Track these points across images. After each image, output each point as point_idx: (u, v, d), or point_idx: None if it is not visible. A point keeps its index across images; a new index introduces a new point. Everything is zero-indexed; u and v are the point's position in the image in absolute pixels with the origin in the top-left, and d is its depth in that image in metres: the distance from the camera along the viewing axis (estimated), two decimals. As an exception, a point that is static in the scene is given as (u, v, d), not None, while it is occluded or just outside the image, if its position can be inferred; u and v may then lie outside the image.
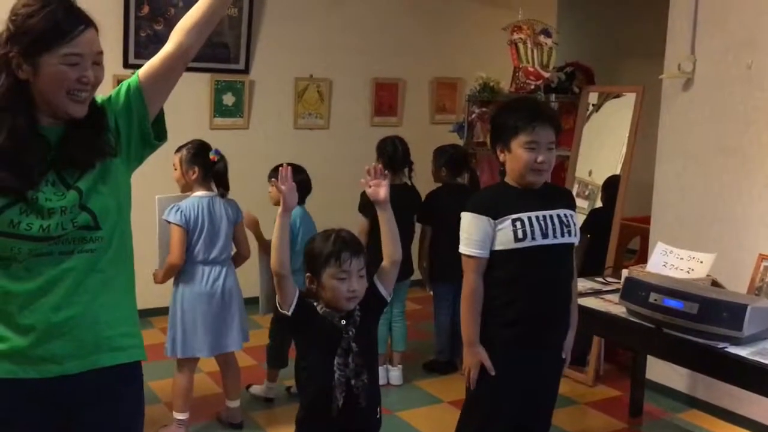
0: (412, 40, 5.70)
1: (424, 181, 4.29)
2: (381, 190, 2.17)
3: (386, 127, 5.64)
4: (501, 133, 2.37)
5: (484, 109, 4.85)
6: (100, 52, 1.61)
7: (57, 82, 1.54)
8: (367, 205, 3.90)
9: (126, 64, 4.65)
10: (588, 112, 4.43)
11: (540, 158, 2.28)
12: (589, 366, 4.00)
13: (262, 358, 3.81)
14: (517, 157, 2.31)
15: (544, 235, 2.31)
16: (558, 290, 2.41)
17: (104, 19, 4.89)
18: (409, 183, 4.06)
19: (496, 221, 2.31)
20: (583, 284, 3.29)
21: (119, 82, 4.85)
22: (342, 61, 5.45)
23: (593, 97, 4.41)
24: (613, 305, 2.90)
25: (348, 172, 5.21)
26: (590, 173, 4.45)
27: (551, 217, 2.34)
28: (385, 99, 5.71)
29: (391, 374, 3.94)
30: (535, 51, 4.36)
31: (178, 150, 3.23)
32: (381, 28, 5.57)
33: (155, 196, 3.33)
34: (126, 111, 1.68)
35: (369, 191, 2.18)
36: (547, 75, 4.31)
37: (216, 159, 3.29)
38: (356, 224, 3.95)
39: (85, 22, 1.59)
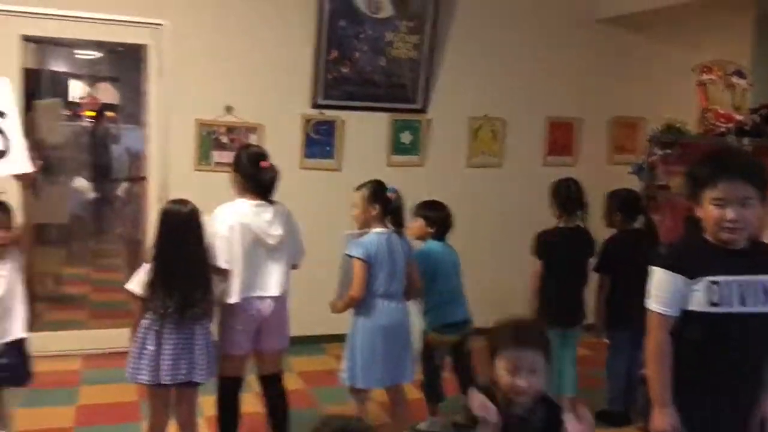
0: (590, 79, 5.61)
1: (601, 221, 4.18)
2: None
3: (560, 166, 5.57)
4: (691, 186, 2.26)
5: (667, 151, 4.66)
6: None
7: None
8: (540, 247, 3.88)
9: (314, 105, 4.99)
10: (786, 157, 4.11)
11: (730, 215, 2.12)
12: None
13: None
14: (707, 212, 2.18)
15: (742, 303, 2.16)
16: (751, 361, 2.24)
17: (296, 62, 5.30)
18: (582, 225, 3.98)
19: (692, 281, 2.18)
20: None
21: (307, 121, 5.23)
22: (516, 100, 5.48)
23: (792, 141, 4.10)
24: None
25: (520, 211, 5.22)
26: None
27: (754, 283, 2.18)
28: (560, 138, 5.65)
29: (560, 420, 3.85)
30: (726, 92, 4.14)
31: (359, 188, 3.40)
32: (558, 68, 5.54)
33: (343, 231, 3.53)
34: None
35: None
36: (739, 117, 4.07)
37: (393, 197, 3.43)
38: (528, 263, 3.96)
39: None
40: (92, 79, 6.15)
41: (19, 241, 3.00)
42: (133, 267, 4.07)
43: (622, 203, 4.06)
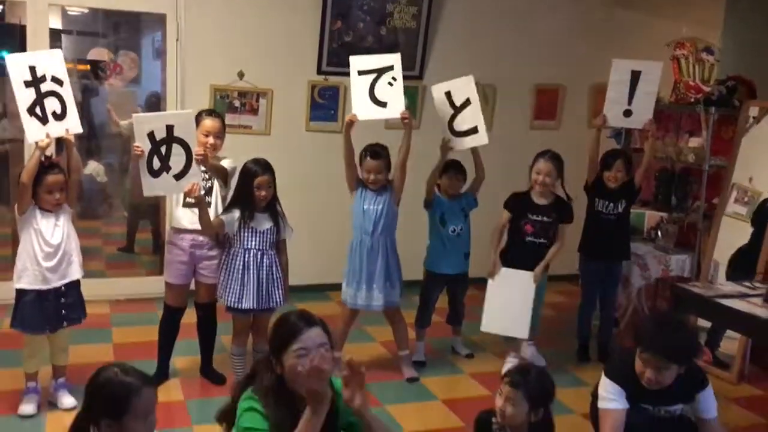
0: (574, 48, 6.00)
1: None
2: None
3: (545, 130, 6.02)
4: (637, 340, 2.81)
5: (642, 117, 5.09)
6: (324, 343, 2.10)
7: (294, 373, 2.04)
8: (508, 203, 4.27)
9: (319, 71, 5.36)
10: (748, 125, 4.57)
11: (647, 374, 2.67)
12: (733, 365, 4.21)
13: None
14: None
15: None
16: None
17: (303, 32, 5.79)
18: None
19: None
20: (731, 288, 3.55)
21: (313, 87, 5.57)
22: (506, 68, 5.87)
23: (754, 111, 4.55)
24: (757, 308, 3.16)
25: (507, 174, 5.57)
26: (750, 180, 4.57)
27: None
28: (545, 104, 6.07)
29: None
30: (696, 67, 4.57)
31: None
32: (543, 37, 5.93)
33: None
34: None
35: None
36: (707, 89, 4.51)
37: None
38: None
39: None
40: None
41: (69, 197, 3.41)
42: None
43: None
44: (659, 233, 4.84)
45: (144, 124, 3.40)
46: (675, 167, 4.98)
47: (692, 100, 4.58)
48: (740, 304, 3.24)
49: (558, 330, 4.88)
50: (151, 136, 3.39)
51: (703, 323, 4.24)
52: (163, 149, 3.41)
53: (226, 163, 3.75)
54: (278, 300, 3.69)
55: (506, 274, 4.10)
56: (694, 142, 4.68)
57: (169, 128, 3.39)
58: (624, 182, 4.30)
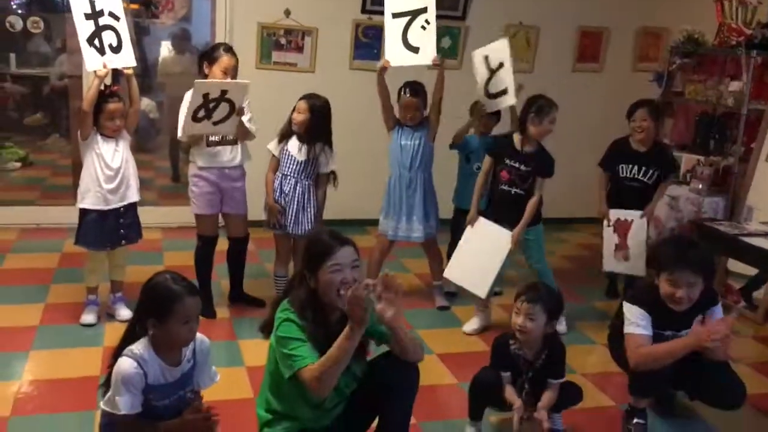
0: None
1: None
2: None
3: (587, 72, 6.03)
4: (657, 263, 2.88)
5: (686, 60, 5.08)
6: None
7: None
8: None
9: (363, 10, 5.46)
10: (790, 68, 4.54)
11: (678, 294, 2.74)
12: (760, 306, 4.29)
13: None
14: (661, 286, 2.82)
15: None
16: None
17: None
18: None
19: None
20: (757, 227, 3.63)
21: (357, 26, 5.67)
22: (550, 9, 5.86)
23: (797, 54, 4.50)
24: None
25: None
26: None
27: None
28: (589, 47, 6.05)
29: None
30: (739, 9, 4.52)
31: None
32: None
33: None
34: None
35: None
36: (749, 32, 4.47)
37: None
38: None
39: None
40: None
41: (128, 124, 3.66)
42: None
43: None
44: (695, 177, 4.87)
45: (202, 89, 3.51)
46: (716, 111, 4.98)
47: (734, 43, 4.55)
48: (762, 242, 3.33)
49: (590, 269, 5.02)
50: (205, 95, 3.51)
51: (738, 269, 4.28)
52: (211, 105, 3.56)
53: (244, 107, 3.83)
54: (306, 228, 3.87)
55: (485, 226, 3.90)
56: (734, 85, 4.67)
57: (224, 92, 3.54)
58: (654, 147, 4.12)
